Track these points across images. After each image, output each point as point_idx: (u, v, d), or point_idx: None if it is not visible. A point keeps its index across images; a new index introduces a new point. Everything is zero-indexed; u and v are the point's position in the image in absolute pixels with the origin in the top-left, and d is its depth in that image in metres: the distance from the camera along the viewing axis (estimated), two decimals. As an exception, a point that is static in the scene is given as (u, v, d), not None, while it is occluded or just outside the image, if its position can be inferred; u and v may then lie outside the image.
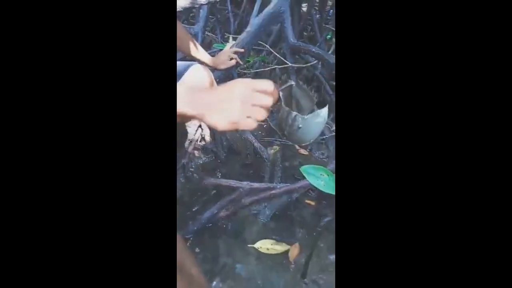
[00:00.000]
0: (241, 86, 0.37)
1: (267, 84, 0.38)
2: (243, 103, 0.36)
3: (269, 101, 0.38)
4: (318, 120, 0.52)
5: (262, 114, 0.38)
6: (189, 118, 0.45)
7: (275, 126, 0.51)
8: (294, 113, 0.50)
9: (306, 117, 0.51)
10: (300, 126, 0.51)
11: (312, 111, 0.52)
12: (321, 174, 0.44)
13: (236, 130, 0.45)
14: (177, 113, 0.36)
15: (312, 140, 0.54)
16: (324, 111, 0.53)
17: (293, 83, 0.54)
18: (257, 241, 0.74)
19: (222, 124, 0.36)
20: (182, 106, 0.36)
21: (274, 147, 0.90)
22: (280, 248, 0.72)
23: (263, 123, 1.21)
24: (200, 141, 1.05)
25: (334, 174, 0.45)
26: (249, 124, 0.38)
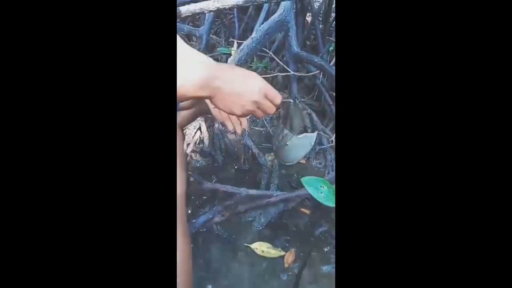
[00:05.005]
0: (257, 84, 0.40)
1: (277, 97, 0.41)
2: (252, 102, 0.39)
3: (272, 109, 0.41)
4: (305, 143, 0.52)
5: (260, 116, 0.41)
6: (193, 103, 0.47)
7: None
8: (286, 130, 0.51)
9: (295, 137, 0.51)
10: (288, 144, 0.51)
11: (301, 132, 0.52)
12: (321, 186, 0.44)
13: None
14: (184, 96, 0.37)
15: (295, 162, 0.54)
16: (313, 136, 0.53)
17: (291, 101, 0.54)
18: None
19: (230, 110, 0.39)
20: (193, 88, 0.37)
21: (272, 154, 0.91)
22: (275, 252, 0.73)
23: (262, 130, 1.21)
24: (199, 144, 1.04)
25: (333, 186, 0.46)
26: (244, 120, 0.42)
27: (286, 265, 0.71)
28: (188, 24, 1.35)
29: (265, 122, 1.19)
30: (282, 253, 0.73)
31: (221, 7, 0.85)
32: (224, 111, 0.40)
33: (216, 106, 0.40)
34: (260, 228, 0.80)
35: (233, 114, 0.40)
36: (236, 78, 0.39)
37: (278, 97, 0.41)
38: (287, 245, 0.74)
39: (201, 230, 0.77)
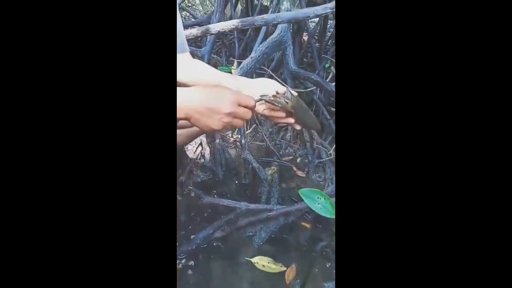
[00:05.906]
0: (227, 96, 0.42)
1: (250, 101, 0.44)
2: (227, 114, 0.42)
3: (248, 114, 0.44)
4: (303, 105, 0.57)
5: (240, 125, 0.44)
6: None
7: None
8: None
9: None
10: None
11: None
12: (317, 197, 0.45)
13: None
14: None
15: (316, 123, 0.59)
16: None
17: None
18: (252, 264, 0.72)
19: (209, 126, 0.41)
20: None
21: (272, 168, 0.92)
22: (275, 267, 0.72)
23: (262, 144, 1.23)
24: (200, 159, 1.06)
25: (332, 198, 0.46)
26: (227, 128, 0.43)
27: (287, 282, 0.69)
28: (190, 45, 1.41)
29: (265, 137, 1.21)
30: (283, 268, 0.72)
31: (222, 30, 0.90)
32: (203, 129, 0.42)
33: (194, 125, 0.42)
34: (261, 243, 0.79)
35: (212, 130, 0.42)
36: (206, 95, 0.42)
37: (251, 101, 0.44)
38: (292, 264, 0.73)
39: (201, 246, 0.76)
